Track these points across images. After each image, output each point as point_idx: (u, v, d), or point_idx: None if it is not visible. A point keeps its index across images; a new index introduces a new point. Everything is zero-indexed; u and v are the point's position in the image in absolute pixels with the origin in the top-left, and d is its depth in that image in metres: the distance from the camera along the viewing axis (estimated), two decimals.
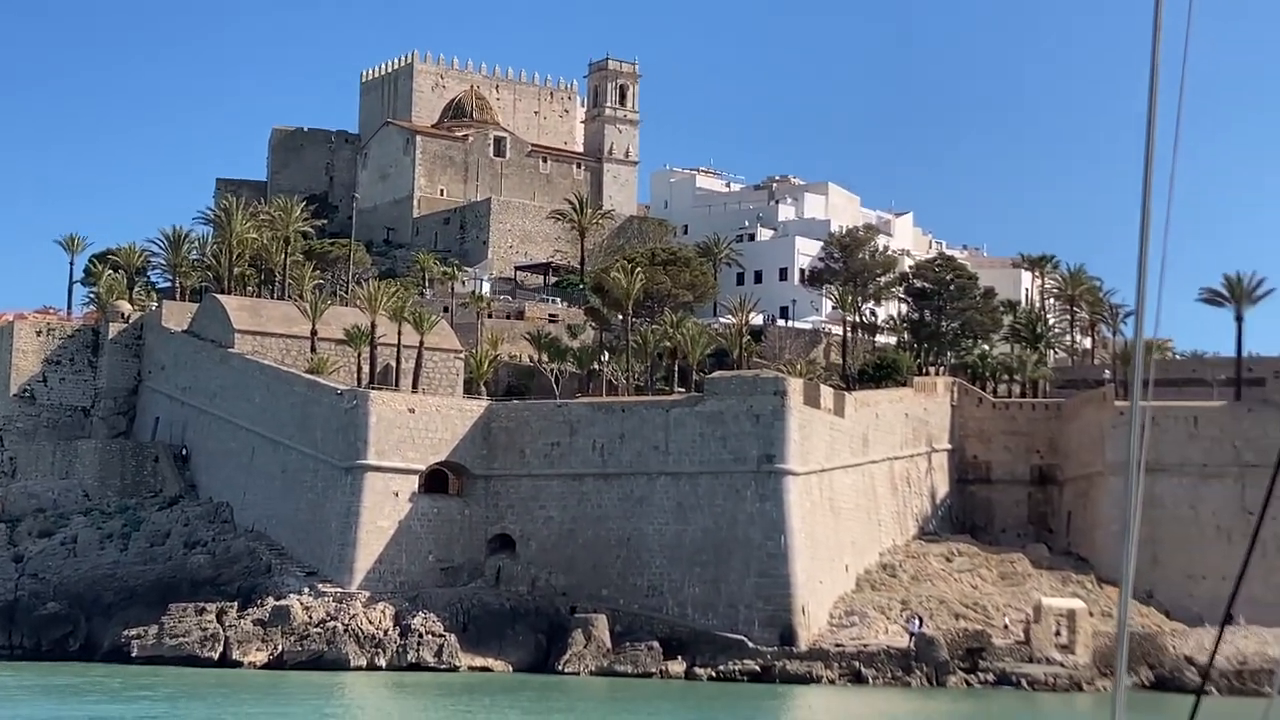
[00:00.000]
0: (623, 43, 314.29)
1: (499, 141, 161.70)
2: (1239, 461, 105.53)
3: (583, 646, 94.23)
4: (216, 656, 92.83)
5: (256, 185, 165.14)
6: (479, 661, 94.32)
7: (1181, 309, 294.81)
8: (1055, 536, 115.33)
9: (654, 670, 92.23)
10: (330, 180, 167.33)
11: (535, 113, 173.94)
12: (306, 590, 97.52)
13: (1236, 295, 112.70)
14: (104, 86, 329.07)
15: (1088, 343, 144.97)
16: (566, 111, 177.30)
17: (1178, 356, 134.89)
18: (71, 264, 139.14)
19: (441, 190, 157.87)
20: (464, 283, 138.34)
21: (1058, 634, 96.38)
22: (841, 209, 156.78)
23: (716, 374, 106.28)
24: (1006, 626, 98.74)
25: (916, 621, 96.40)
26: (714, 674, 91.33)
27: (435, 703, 76.72)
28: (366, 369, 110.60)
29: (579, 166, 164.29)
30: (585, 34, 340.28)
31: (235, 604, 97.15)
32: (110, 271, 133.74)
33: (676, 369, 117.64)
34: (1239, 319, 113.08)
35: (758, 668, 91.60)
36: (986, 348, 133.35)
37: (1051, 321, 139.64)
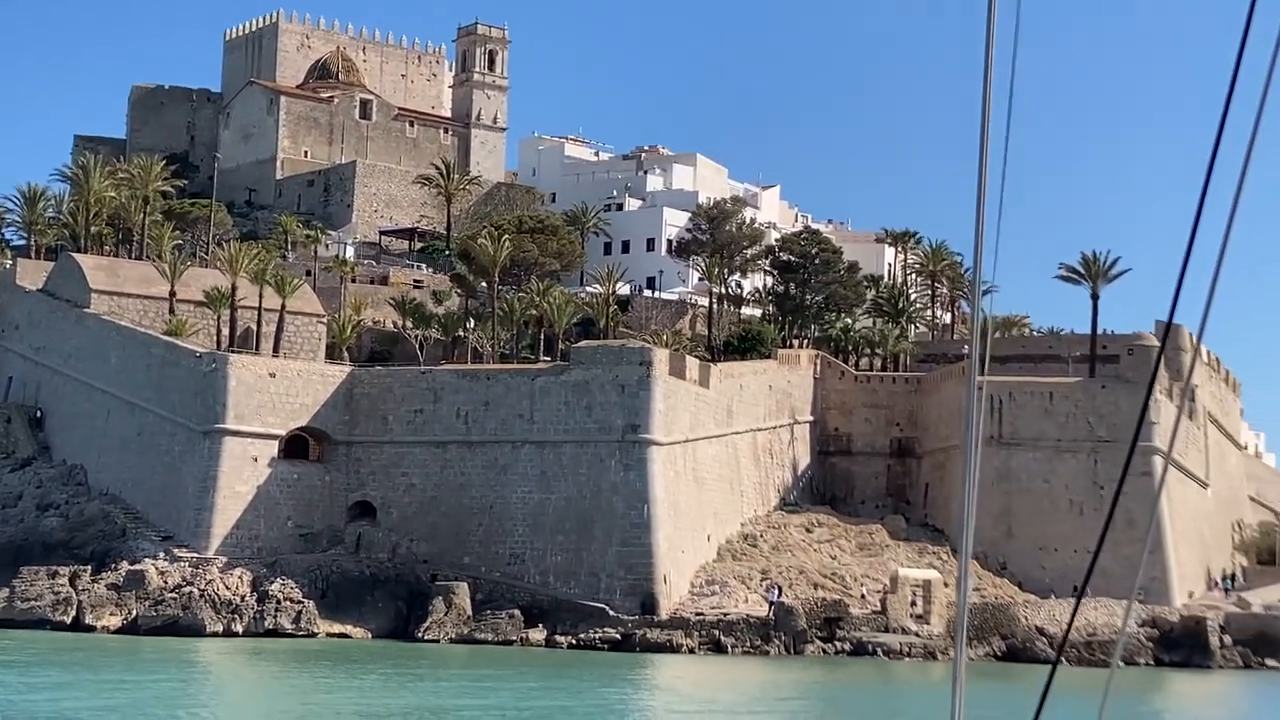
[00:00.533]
0: (492, 8, 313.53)
1: (365, 104, 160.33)
2: (1092, 437, 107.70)
3: (443, 614, 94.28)
4: (69, 620, 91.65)
5: (115, 143, 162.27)
6: (337, 628, 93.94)
7: (1040, 286, 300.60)
8: (913, 508, 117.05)
9: (515, 638, 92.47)
10: (191, 140, 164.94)
11: (402, 76, 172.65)
12: (162, 555, 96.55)
13: (1093, 274, 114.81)
14: None
15: (948, 318, 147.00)
16: (434, 75, 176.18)
17: (1035, 333, 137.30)
18: None
19: (306, 152, 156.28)
20: (327, 246, 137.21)
21: (913, 604, 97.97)
22: (709, 181, 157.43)
23: (582, 343, 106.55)
24: (864, 596, 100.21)
25: (776, 591, 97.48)
26: (574, 642, 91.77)
27: (293, 670, 76.27)
28: (226, 332, 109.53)
29: (446, 132, 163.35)
30: None
31: (89, 568, 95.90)
32: None
33: (542, 337, 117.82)
34: (1095, 297, 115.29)
35: (618, 636, 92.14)
36: (849, 321, 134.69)
37: (913, 296, 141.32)
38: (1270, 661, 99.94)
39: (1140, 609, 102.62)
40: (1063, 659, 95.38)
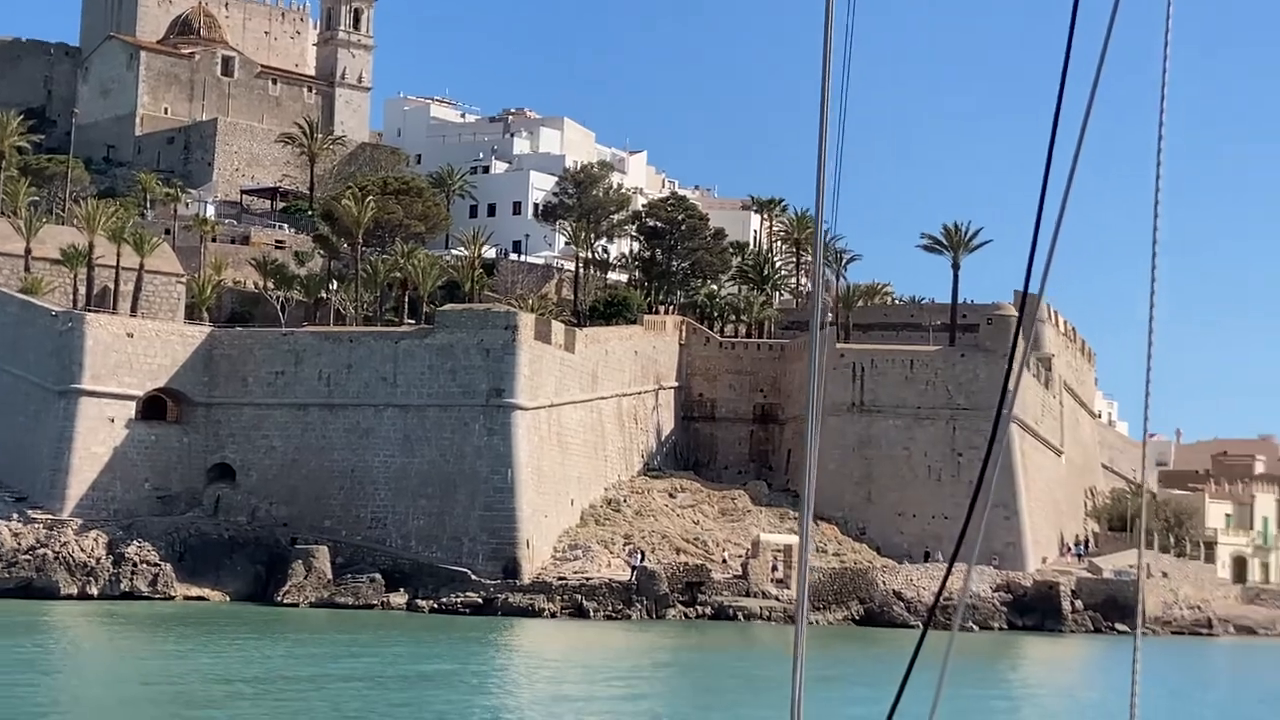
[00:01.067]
0: None
1: (227, 61, 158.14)
2: (951, 404, 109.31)
3: (303, 578, 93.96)
4: None
5: None
6: (195, 591, 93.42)
7: (903, 255, 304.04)
8: (775, 474, 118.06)
9: (375, 602, 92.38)
10: (49, 94, 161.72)
11: (266, 33, 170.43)
12: (15, 516, 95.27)
13: (954, 244, 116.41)
14: None
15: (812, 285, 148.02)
16: (298, 33, 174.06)
17: (897, 301, 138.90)
18: None
19: (166, 109, 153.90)
20: (187, 205, 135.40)
21: (774, 569, 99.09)
22: (577, 145, 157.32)
23: (447, 306, 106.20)
24: (725, 561, 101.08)
25: (638, 556, 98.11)
26: (436, 606, 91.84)
27: (149, 634, 75.57)
28: (83, 291, 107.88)
29: (310, 90, 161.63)
30: None
31: None
32: None
33: (406, 300, 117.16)
34: (955, 267, 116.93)
35: (480, 600, 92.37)
36: (715, 288, 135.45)
37: (778, 264, 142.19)
38: (1120, 626, 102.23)
39: (994, 574, 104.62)
40: (919, 623, 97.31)
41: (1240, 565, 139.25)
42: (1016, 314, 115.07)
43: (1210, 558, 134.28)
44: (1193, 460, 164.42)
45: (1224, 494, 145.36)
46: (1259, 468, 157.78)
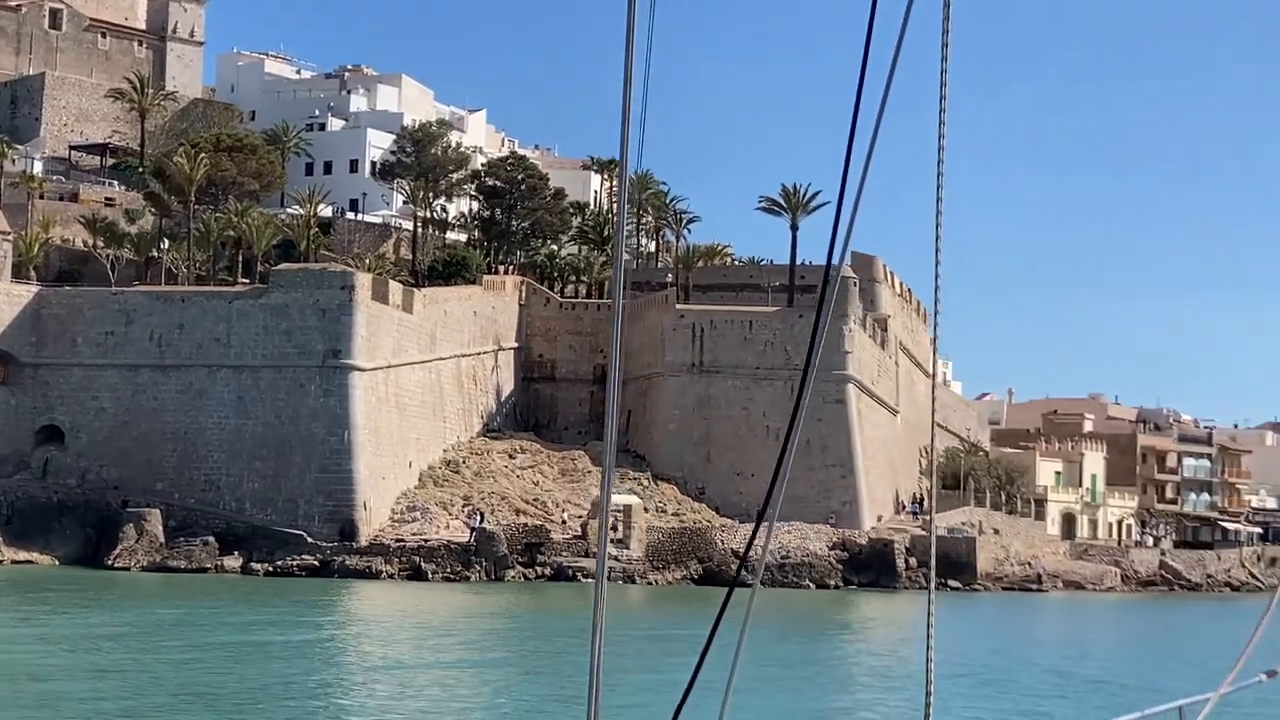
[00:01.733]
0: None
1: (54, 13, 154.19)
2: (789, 365, 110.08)
3: (134, 541, 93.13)
4: None
5: None
6: (23, 555, 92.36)
7: (743, 217, 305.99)
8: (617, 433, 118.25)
9: (209, 565, 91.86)
10: None
11: None
12: None
13: (792, 205, 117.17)
14: None
15: (652, 246, 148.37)
16: None
17: (736, 262, 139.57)
18: None
19: None
20: (14, 161, 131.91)
21: (614, 529, 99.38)
22: (415, 102, 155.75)
23: (282, 266, 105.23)
24: (565, 522, 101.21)
25: (478, 517, 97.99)
26: (271, 569, 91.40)
27: None
28: None
29: (141, 44, 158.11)
30: None
31: None
32: None
33: (241, 260, 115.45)
34: (794, 228, 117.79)
35: (316, 563, 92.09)
36: (555, 248, 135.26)
37: None
38: (952, 582, 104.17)
39: (831, 532, 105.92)
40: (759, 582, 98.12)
41: (1069, 522, 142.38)
42: (854, 274, 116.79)
43: (1040, 515, 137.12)
44: (1024, 419, 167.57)
45: (1054, 452, 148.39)
46: (1088, 426, 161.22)
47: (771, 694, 42.62)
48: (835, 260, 5.77)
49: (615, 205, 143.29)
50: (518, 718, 39.07)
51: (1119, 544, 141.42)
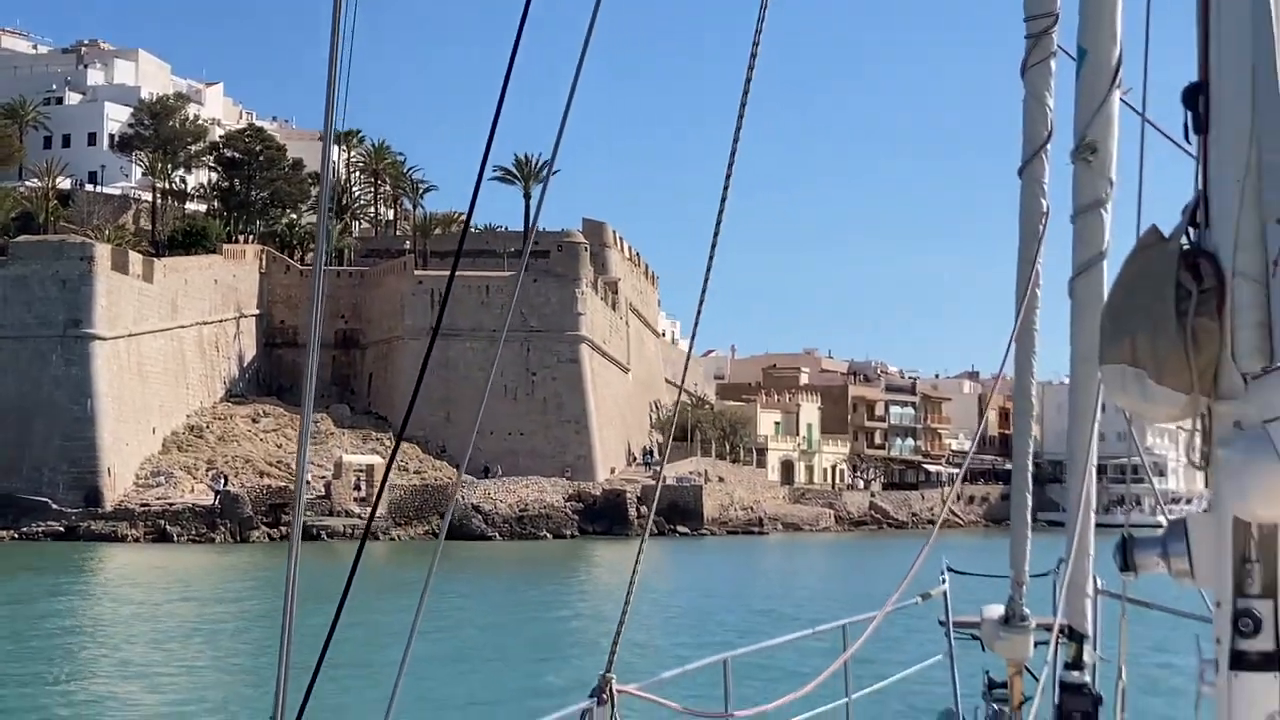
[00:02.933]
0: None
1: None
2: (525, 327, 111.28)
3: None
4: None
5: None
6: None
7: (485, 187, 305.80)
8: (357, 397, 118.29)
9: None
10: None
11: None
12: None
13: (525, 174, 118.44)
14: None
15: (390, 214, 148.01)
16: None
17: (474, 230, 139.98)
18: None
19: None
20: None
21: (357, 488, 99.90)
22: (152, 76, 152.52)
23: (21, 238, 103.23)
24: (308, 482, 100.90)
25: (222, 480, 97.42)
26: (16, 535, 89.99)
27: None
28: None
29: None
30: None
31: None
32: None
33: None
34: (527, 196, 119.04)
35: (62, 528, 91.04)
36: (295, 217, 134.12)
37: (356, 194, 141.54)
38: (681, 528, 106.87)
39: (567, 485, 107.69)
40: (496, 534, 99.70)
41: (788, 468, 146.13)
42: (584, 240, 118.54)
43: (762, 462, 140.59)
44: (746, 373, 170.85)
45: (774, 404, 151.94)
46: (804, 379, 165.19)
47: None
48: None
49: (350, 175, 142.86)
50: (237, 678, 39.30)
51: (833, 488, 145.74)
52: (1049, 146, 6.88)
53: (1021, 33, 6.85)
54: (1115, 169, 6.04)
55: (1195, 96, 3.89)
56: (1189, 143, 3.95)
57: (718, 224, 6.15)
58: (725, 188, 6.12)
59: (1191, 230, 3.87)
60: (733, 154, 6.07)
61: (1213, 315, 3.71)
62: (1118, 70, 5.85)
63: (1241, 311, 3.70)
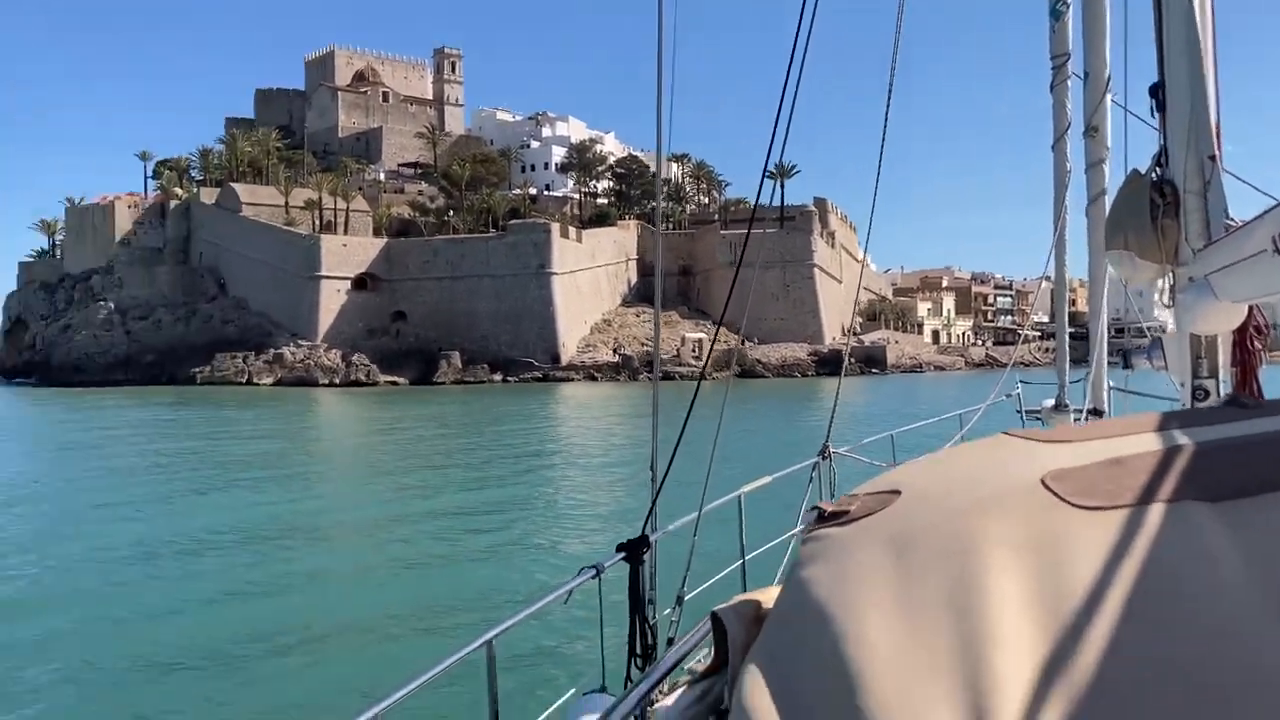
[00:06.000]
0: (454, 30, 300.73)
1: (385, 94, 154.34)
2: (782, 259, 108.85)
3: (446, 368, 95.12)
4: (244, 381, 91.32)
5: (247, 121, 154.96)
6: (389, 378, 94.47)
7: (754, 178, 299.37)
8: (691, 302, 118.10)
9: (484, 380, 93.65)
10: (290, 116, 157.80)
11: (405, 77, 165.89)
12: (293, 344, 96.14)
13: (782, 172, 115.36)
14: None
15: (705, 200, 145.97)
16: (421, 75, 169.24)
17: (751, 206, 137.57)
18: (145, 166, 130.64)
19: (354, 122, 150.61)
20: (369, 174, 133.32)
21: (693, 351, 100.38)
22: (576, 129, 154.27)
23: (513, 222, 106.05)
24: (663, 349, 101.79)
25: (621, 348, 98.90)
26: (515, 379, 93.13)
27: (365, 399, 76.48)
28: (318, 223, 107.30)
29: (429, 108, 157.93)
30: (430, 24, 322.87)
31: (253, 353, 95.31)
32: (169, 170, 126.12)
33: (491, 219, 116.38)
34: (782, 184, 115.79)
35: (540, 375, 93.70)
36: (654, 205, 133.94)
37: (687, 188, 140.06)
38: (873, 370, 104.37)
39: (808, 345, 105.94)
40: (768, 374, 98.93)
41: (935, 335, 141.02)
42: (814, 209, 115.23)
43: (920, 331, 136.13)
44: (910, 281, 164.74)
45: (926, 298, 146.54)
46: (944, 282, 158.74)
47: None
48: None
49: (683, 179, 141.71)
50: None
51: (962, 345, 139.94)
52: (1069, 130, 6.72)
53: (1049, 65, 6.73)
54: (1110, 140, 5.88)
55: (1157, 90, 3.78)
56: (1153, 118, 3.87)
57: (875, 186, 6.17)
58: (879, 161, 6.01)
59: (1158, 170, 3.77)
60: (884, 134, 5.88)
61: (1172, 217, 3.65)
62: (1107, 83, 5.70)
63: (1189, 214, 3.62)
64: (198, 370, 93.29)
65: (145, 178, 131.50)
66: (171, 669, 11.78)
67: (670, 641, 3.61)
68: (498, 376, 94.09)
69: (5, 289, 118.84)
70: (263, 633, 13.04)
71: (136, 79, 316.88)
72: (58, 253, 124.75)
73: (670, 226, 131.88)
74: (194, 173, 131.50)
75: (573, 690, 3.84)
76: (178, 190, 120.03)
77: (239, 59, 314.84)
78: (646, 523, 4.05)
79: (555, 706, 3.79)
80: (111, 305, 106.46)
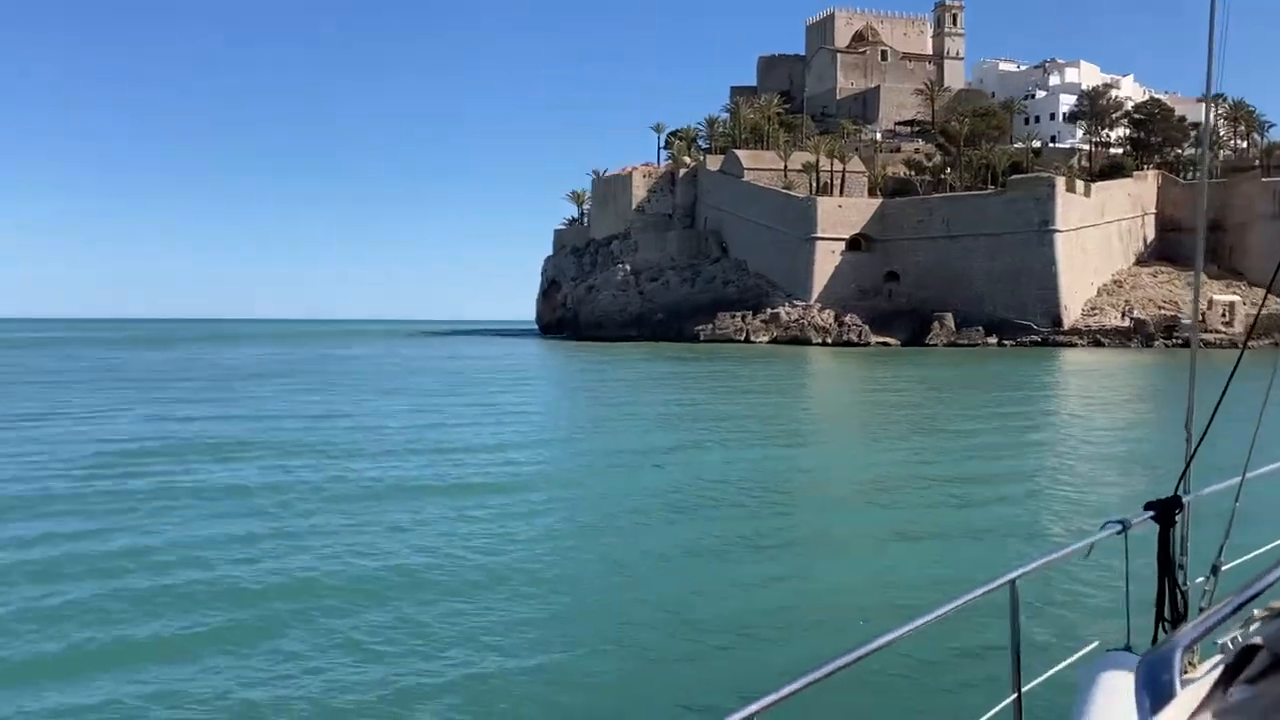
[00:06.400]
0: None
1: (884, 53, 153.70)
2: None
3: (938, 330, 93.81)
4: (742, 339, 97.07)
5: (750, 89, 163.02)
6: (880, 339, 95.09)
7: None
8: (1221, 259, 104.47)
9: (978, 342, 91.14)
10: (790, 82, 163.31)
11: (904, 34, 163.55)
12: (788, 304, 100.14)
13: None
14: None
15: (1244, 144, 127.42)
16: (921, 32, 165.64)
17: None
18: (659, 138, 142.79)
19: (852, 84, 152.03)
20: (866, 134, 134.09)
21: (1223, 315, 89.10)
22: (1088, 74, 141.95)
23: (1014, 177, 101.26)
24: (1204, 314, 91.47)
25: (1132, 310, 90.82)
26: (1011, 342, 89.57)
27: (856, 359, 77.73)
28: (815, 185, 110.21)
29: (929, 63, 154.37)
30: None
31: (751, 312, 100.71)
32: (679, 140, 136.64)
33: (989, 174, 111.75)
34: None
35: (1039, 340, 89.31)
36: (1180, 152, 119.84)
37: (1222, 133, 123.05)
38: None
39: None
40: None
41: None
42: None
43: None
44: None
45: None
46: None
47: None
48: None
49: (1217, 122, 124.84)
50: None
51: None
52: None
53: None
54: None
55: None
56: None
57: None
58: None
59: None
60: None
61: None
62: None
63: None
64: (700, 328, 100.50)
65: (658, 148, 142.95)
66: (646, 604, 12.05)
67: (1200, 610, 3.47)
68: (992, 340, 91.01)
69: (545, 254, 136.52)
70: (784, 592, 12.90)
71: (652, 56, 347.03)
72: (585, 220, 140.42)
73: (1194, 175, 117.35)
74: (701, 141, 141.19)
75: (1096, 642, 3.76)
76: (686, 159, 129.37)
77: (744, 28, 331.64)
78: (1179, 483, 3.90)
79: (1079, 655, 3.73)
80: (627, 268, 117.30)
